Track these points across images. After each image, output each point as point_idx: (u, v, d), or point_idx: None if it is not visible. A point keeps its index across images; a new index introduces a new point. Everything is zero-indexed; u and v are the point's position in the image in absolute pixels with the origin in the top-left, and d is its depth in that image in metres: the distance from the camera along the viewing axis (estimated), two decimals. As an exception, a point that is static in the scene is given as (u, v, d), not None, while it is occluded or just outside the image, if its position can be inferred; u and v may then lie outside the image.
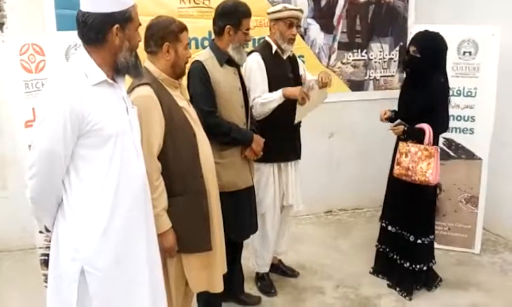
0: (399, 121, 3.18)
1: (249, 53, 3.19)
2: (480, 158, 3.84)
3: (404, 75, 3.47)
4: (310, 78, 3.34)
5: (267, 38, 3.23)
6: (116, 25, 1.69)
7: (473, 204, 3.89)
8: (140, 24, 1.81)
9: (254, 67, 3.08)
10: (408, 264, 3.27)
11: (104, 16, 1.68)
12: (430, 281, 3.38)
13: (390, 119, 3.37)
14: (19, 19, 3.82)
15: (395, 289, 3.34)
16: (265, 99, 3.05)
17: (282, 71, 3.19)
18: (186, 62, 2.35)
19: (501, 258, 3.83)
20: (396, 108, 3.40)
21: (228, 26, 2.77)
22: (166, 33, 2.24)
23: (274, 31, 3.18)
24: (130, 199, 1.79)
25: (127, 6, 1.72)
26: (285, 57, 3.22)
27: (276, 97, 3.03)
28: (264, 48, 3.18)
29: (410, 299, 3.24)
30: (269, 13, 3.21)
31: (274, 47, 3.16)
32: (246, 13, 2.80)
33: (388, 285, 3.40)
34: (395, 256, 3.37)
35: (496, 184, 4.01)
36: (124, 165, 1.75)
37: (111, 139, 1.70)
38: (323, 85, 3.08)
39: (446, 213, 3.90)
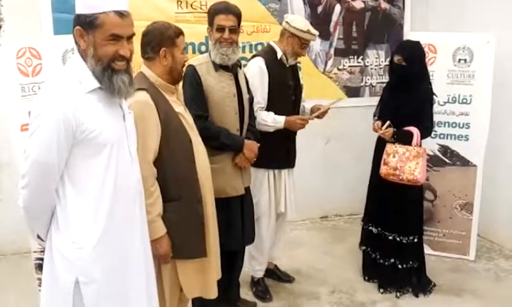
0: (388, 123, 3.20)
1: (252, 57, 3.20)
2: (475, 165, 3.86)
3: (388, 82, 3.53)
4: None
5: (273, 44, 3.21)
6: (77, 27, 1.65)
7: (468, 210, 3.91)
8: (119, 36, 1.66)
9: (255, 72, 3.07)
10: (397, 262, 3.32)
11: (74, 17, 1.67)
12: (425, 286, 3.39)
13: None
14: (16, 23, 3.82)
15: (387, 290, 3.38)
16: (265, 122, 3.08)
17: (284, 78, 3.19)
18: (183, 67, 2.34)
19: (495, 265, 3.84)
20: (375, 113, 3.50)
21: (207, 27, 2.80)
22: (162, 39, 2.24)
23: (287, 42, 3.15)
24: (125, 206, 1.77)
25: (93, 11, 1.63)
26: (288, 65, 3.23)
27: (277, 125, 3.09)
28: (268, 53, 3.17)
29: (398, 297, 3.33)
30: (289, 25, 3.12)
31: (280, 54, 3.15)
32: (217, 10, 2.74)
33: (381, 292, 3.39)
34: (379, 257, 3.40)
35: (491, 191, 4.02)
36: (119, 173, 1.72)
37: (107, 147, 1.68)
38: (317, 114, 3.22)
39: (441, 219, 3.92)
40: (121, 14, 1.65)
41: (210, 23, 2.77)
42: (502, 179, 4.09)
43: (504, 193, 4.08)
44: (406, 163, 3.12)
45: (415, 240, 3.32)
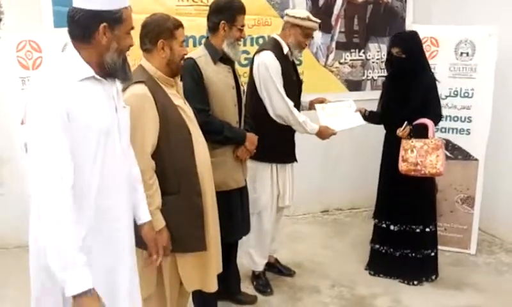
0: (406, 123, 3.19)
1: (258, 50, 3.18)
2: (476, 159, 3.85)
3: (387, 75, 3.54)
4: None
5: (277, 38, 3.19)
6: (104, 24, 1.64)
7: (469, 204, 3.90)
8: (133, 28, 1.75)
9: (275, 67, 3.04)
10: (422, 254, 3.37)
11: (92, 14, 1.63)
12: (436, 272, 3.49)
13: (366, 119, 3.46)
14: (16, 15, 3.80)
15: (413, 283, 3.41)
16: (304, 126, 3.12)
17: (289, 72, 3.19)
18: (182, 59, 2.32)
19: (496, 259, 3.84)
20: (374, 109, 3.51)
21: (222, 22, 2.75)
22: (160, 30, 2.22)
23: (289, 34, 3.14)
24: (113, 198, 1.74)
25: (119, 7, 1.66)
26: (291, 59, 3.23)
27: (312, 131, 3.16)
28: (276, 48, 3.14)
29: (436, 277, 3.46)
30: (289, 15, 3.15)
31: (286, 48, 3.14)
32: (241, 9, 2.78)
33: (414, 283, 3.41)
34: (404, 253, 3.40)
35: (493, 185, 4.02)
36: (108, 164, 1.70)
37: (94, 135, 1.65)
38: None
39: (442, 213, 3.91)
40: (130, 7, 1.71)
41: (231, 20, 2.75)
42: (503, 173, 4.08)
43: (505, 187, 4.07)
44: (426, 157, 3.12)
45: (435, 226, 3.42)
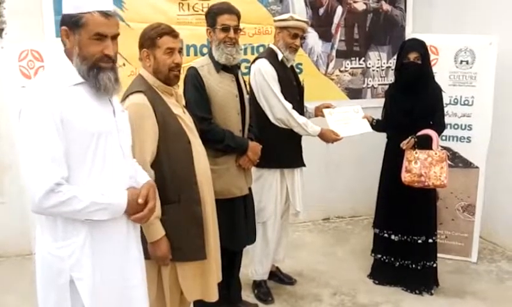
0: (409, 138, 3.18)
1: (254, 60, 3.22)
2: (477, 167, 3.85)
3: (393, 84, 3.54)
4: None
5: (272, 46, 3.24)
6: (63, 27, 1.67)
7: (470, 212, 3.90)
8: (102, 35, 1.66)
9: (269, 72, 3.08)
10: (422, 264, 3.35)
11: (61, 17, 1.68)
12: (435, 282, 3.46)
13: (373, 127, 3.43)
14: (18, 25, 3.83)
15: (415, 292, 3.38)
16: (305, 127, 3.12)
17: (288, 78, 3.21)
18: (172, 69, 2.25)
19: (498, 267, 3.83)
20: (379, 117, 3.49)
21: (207, 28, 2.80)
22: (143, 40, 2.25)
23: (278, 39, 3.19)
24: None
25: (78, 11, 1.64)
26: (288, 65, 3.25)
27: (312, 134, 3.16)
28: (271, 55, 3.18)
29: (437, 287, 3.42)
30: (275, 21, 3.24)
31: (281, 55, 3.17)
32: (221, 9, 2.75)
33: (416, 292, 3.39)
34: (405, 263, 3.40)
35: (493, 193, 4.02)
36: (108, 166, 1.70)
37: (93, 138, 1.65)
38: None
39: (443, 221, 3.90)
40: (105, 14, 1.67)
41: (212, 23, 2.76)
42: (504, 181, 4.07)
43: (506, 195, 4.06)
44: (431, 168, 3.11)
45: (436, 237, 3.41)
